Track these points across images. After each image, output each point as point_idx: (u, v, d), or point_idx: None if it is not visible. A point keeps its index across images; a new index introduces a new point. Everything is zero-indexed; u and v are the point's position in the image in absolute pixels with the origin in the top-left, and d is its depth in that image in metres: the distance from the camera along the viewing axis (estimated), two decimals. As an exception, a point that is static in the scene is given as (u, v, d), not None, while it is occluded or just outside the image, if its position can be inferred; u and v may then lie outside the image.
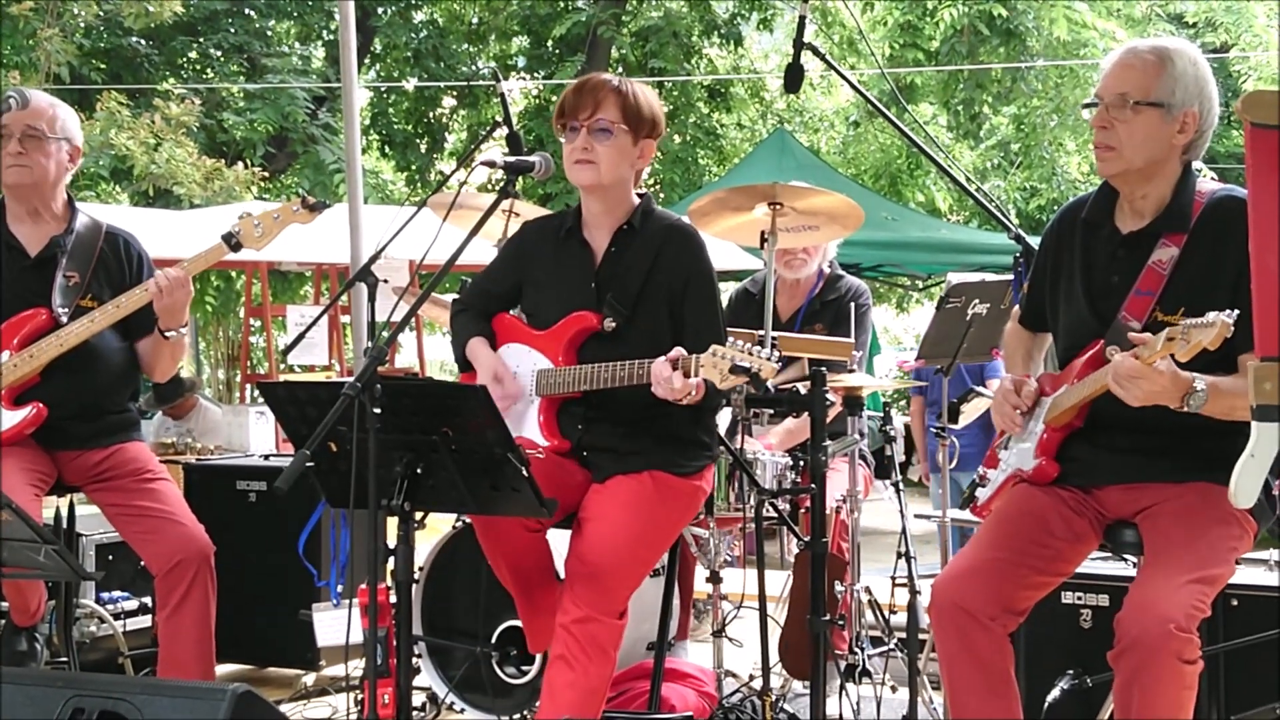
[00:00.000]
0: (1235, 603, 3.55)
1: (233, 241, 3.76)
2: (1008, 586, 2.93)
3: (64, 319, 3.74)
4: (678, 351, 3.08)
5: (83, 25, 13.81)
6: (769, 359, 2.99)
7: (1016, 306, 3.41)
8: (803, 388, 3.71)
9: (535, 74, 17.33)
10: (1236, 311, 2.51)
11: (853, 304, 4.54)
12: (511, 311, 3.58)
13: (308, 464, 2.73)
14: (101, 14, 14.21)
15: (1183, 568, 2.75)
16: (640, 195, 3.44)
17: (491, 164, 3.34)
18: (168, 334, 3.79)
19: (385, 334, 3.23)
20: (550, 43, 16.73)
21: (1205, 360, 2.65)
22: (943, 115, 16.63)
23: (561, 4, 16.80)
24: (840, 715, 3.90)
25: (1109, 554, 3.37)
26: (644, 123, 3.32)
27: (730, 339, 3.05)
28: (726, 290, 7.21)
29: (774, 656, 3.90)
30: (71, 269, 3.82)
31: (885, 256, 12.30)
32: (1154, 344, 2.62)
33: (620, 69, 15.79)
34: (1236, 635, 3.50)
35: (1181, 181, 2.98)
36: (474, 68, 17.28)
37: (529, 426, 3.36)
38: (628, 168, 3.35)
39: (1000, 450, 3.23)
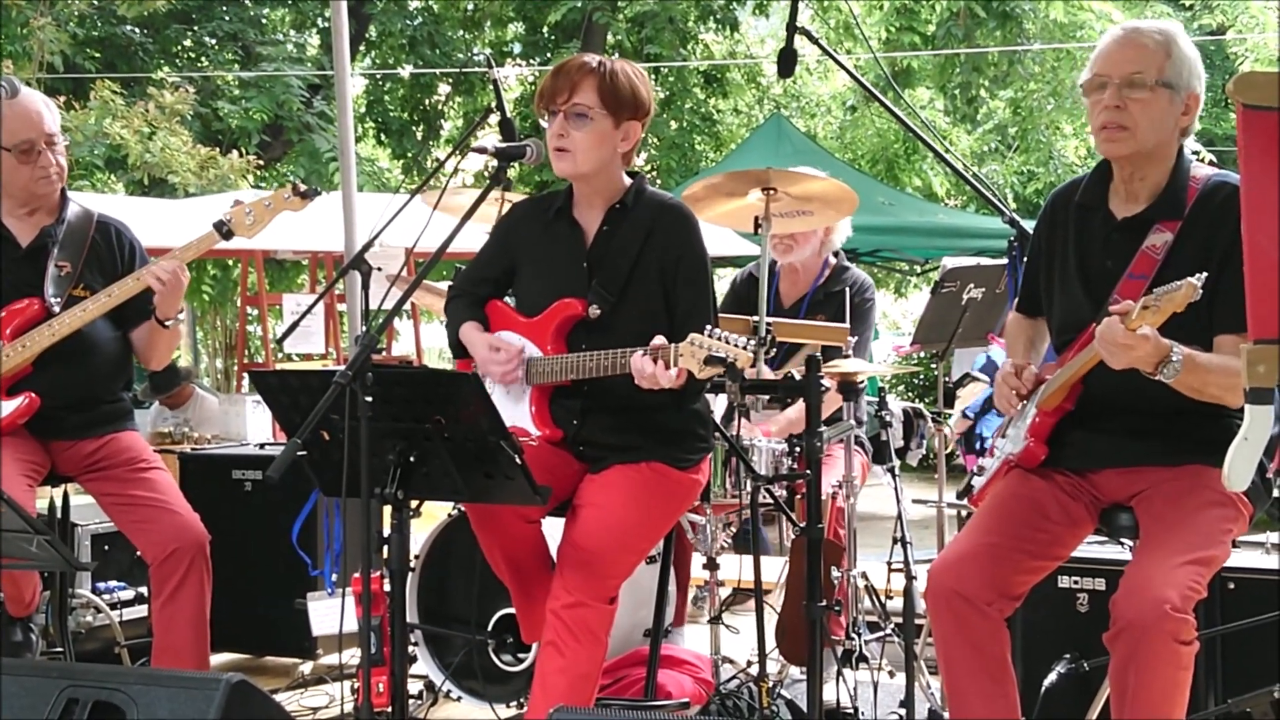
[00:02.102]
0: (1232, 586, 3.54)
1: (224, 229, 3.74)
2: (1003, 571, 2.93)
3: (56, 309, 3.73)
4: (658, 341, 3.07)
5: (76, 14, 13.77)
6: (745, 348, 2.96)
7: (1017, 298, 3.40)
8: (798, 373, 3.70)
9: (531, 60, 17.29)
10: (1205, 274, 2.51)
11: (849, 293, 4.51)
12: (506, 297, 3.57)
13: (299, 453, 2.72)
14: (95, 2, 14.18)
15: (1178, 549, 2.75)
16: (632, 175, 3.42)
17: (483, 150, 3.32)
18: (167, 323, 3.78)
19: (378, 321, 3.22)
20: (546, 29, 16.67)
21: (1182, 339, 2.66)
22: (939, 99, 16.59)
23: (556, -11, 16.76)
24: (837, 701, 3.90)
25: (1105, 538, 3.36)
26: (625, 105, 3.28)
27: (710, 327, 3.02)
28: (728, 276, 7.21)
29: (771, 642, 3.90)
30: (63, 259, 3.81)
31: (882, 241, 12.29)
32: (1133, 311, 2.61)
33: (616, 55, 15.73)
34: (1234, 618, 3.49)
35: (1176, 166, 2.98)
36: (469, 54, 17.23)
37: (521, 415, 3.35)
38: (609, 152, 3.31)
39: (998, 440, 3.23)
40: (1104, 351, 2.70)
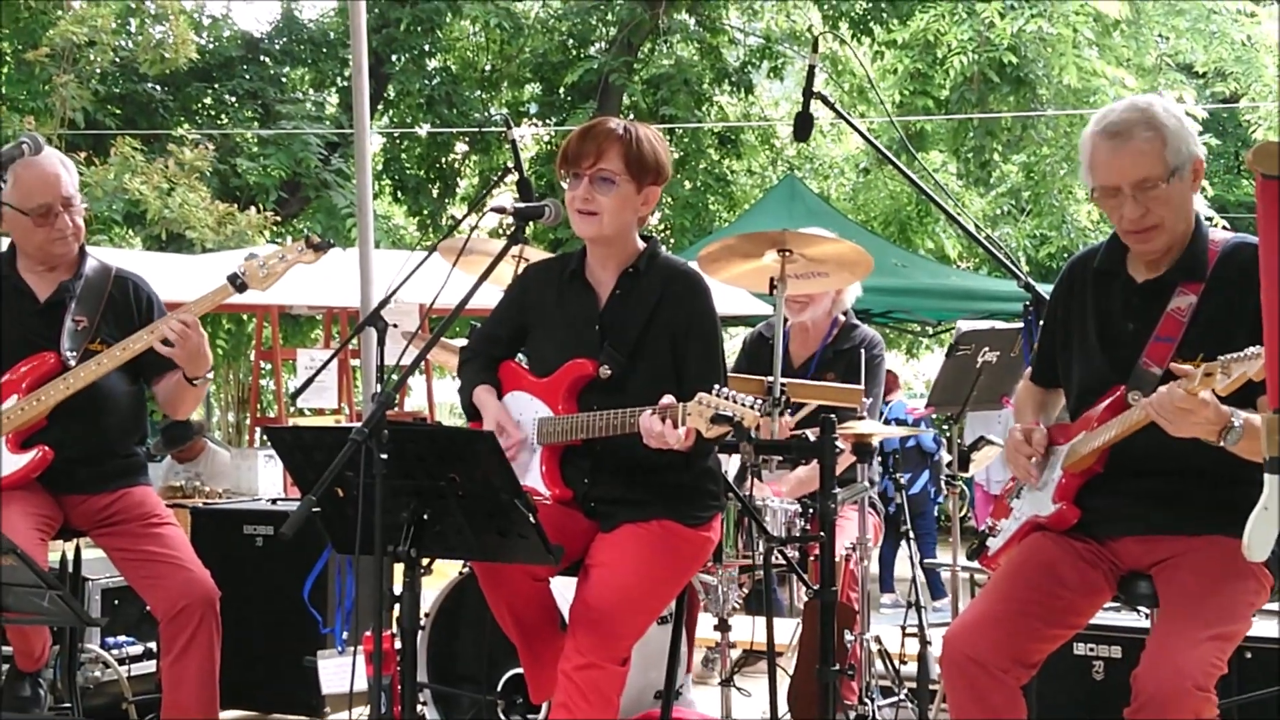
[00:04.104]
0: (1249, 656, 3.51)
1: (238, 283, 3.75)
2: (1019, 638, 2.91)
3: (72, 362, 3.74)
4: (666, 401, 3.07)
5: (98, 71, 13.92)
6: (753, 407, 2.96)
7: (1029, 367, 3.40)
8: (812, 434, 3.69)
9: (547, 120, 17.43)
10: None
11: (863, 353, 4.52)
12: (519, 356, 3.58)
13: (314, 509, 2.71)
14: (117, 60, 14.34)
15: (1200, 624, 2.73)
16: (646, 239, 3.43)
17: (502, 210, 3.34)
18: (195, 381, 3.78)
19: (394, 379, 3.23)
20: (562, 90, 16.82)
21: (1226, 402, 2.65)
22: (952, 163, 16.66)
23: (574, 52, 16.91)
24: (850, 767, 3.86)
25: (1121, 605, 3.33)
26: (648, 170, 3.30)
27: (718, 387, 3.02)
28: (740, 335, 7.21)
29: (783, 706, 3.86)
30: (80, 313, 3.82)
31: (895, 303, 12.30)
32: (1194, 377, 2.61)
33: (631, 116, 15.84)
34: (1251, 689, 3.46)
35: (1195, 231, 3.00)
36: (486, 114, 17.38)
37: (531, 475, 3.34)
38: (630, 215, 3.33)
39: (1012, 500, 3.21)
40: (1163, 418, 2.69)
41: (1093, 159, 2.97)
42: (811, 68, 3.76)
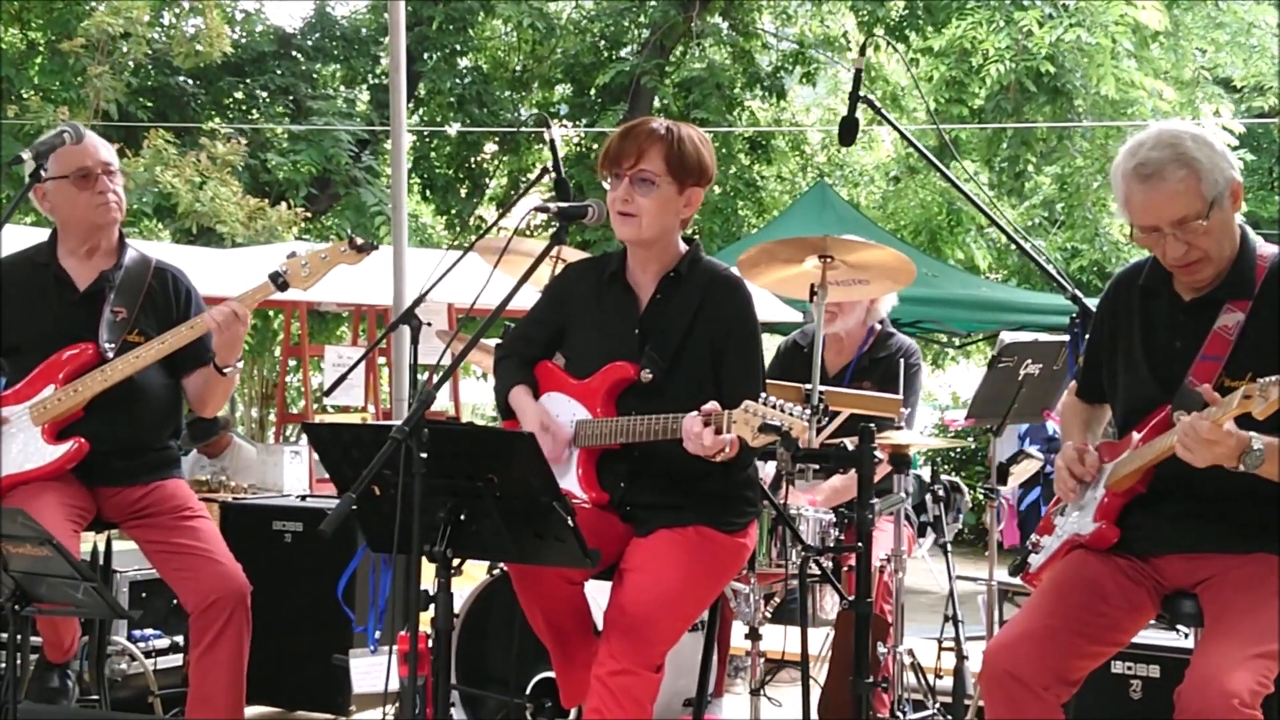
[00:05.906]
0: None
1: (279, 281, 3.73)
2: (1061, 655, 2.88)
3: (110, 354, 3.73)
4: (711, 406, 3.03)
5: (132, 64, 13.99)
6: (800, 417, 2.92)
7: (1074, 381, 3.36)
8: (850, 444, 3.65)
9: (577, 122, 17.43)
10: None
11: (902, 361, 4.47)
12: (555, 358, 3.54)
13: (351, 507, 2.69)
14: (151, 53, 14.40)
15: (1246, 641, 2.70)
16: (689, 242, 3.40)
17: (544, 209, 3.30)
18: (226, 370, 3.77)
19: (434, 378, 3.20)
20: (593, 91, 16.81)
21: (1262, 425, 2.62)
22: (984, 173, 16.58)
23: (605, 53, 16.90)
24: (881, 780, 3.82)
25: (1163, 624, 3.28)
26: (690, 171, 3.27)
27: (765, 395, 2.99)
28: (773, 342, 7.16)
29: (814, 717, 3.82)
30: (119, 304, 3.81)
31: (925, 313, 12.22)
32: (1229, 403, 2.57)
33: (662, 118, 15.77)
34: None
35: (1241, 247, 2.96)
36: (517, 114, 17.39)
37: (568, 478, 3.31)
38: (672, 218, 3.30)
39: (1056, 517, 3.17)
40: (1187, 450, 2.68)
41: (1128, 200, 2.93)
42: (858, 71, 3.73)
